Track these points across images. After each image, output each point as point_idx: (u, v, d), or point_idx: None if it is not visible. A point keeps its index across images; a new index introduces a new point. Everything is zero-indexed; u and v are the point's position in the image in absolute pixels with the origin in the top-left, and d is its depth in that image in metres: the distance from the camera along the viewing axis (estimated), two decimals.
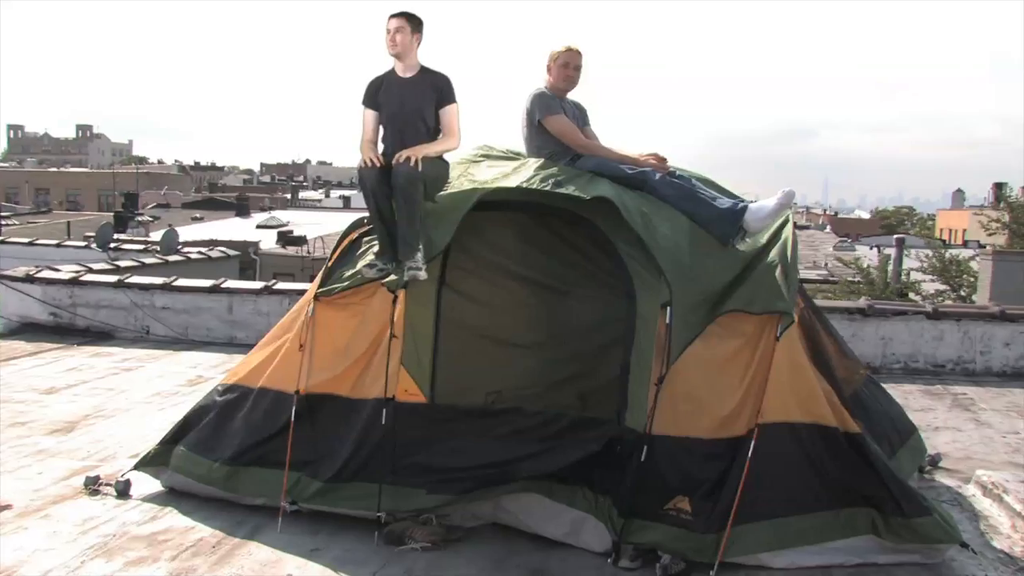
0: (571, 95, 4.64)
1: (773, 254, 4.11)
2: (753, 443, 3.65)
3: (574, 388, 3.98)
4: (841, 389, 4.00)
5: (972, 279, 19.76)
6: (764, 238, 4.26)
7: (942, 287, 20.95)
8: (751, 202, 4.28)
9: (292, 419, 4.09)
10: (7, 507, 4.25)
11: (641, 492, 3.72)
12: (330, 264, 4.41)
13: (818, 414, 3.80)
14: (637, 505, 3.72)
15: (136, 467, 4.51)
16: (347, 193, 61.68)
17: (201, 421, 4.44)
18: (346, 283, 4.22)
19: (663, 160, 4.45)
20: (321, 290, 4.26)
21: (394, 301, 4.03)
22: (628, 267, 3.91)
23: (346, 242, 4.50)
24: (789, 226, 4.31)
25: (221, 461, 4.23)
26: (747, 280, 4.00)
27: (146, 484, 4.49)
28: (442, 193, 4.26)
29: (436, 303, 4.10)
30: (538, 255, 4.17)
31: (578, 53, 4.51)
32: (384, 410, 3.97)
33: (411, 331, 4.04)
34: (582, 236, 4.11)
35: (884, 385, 6.95)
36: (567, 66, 4.51)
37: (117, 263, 11.14)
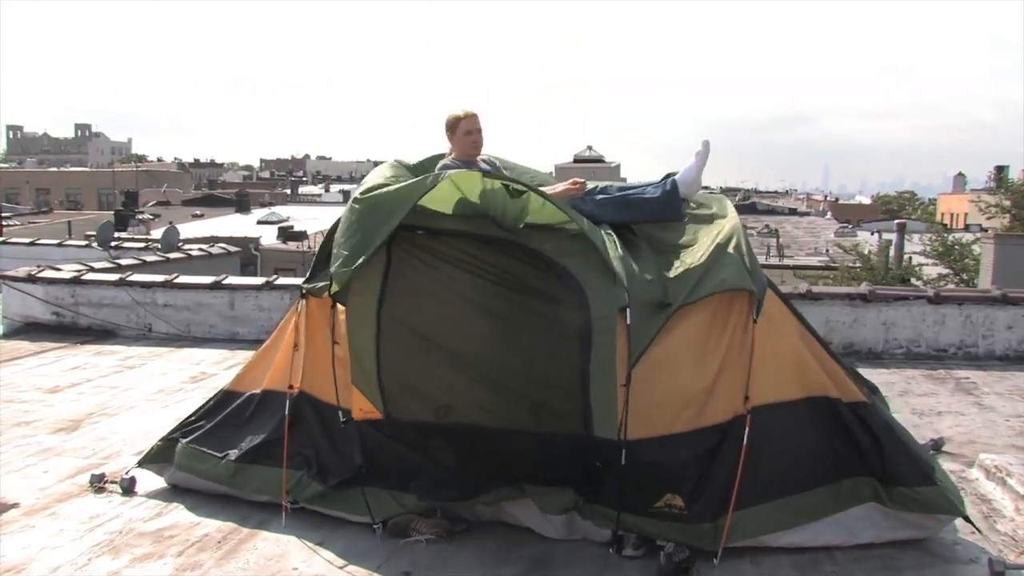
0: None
1: (723, 240, 3.99)
2: (747, 430, 3.61)
3: (527, 401, 3.78)
4: (840, 360, 3.98)
5: (974, 263, 19.76)
6: (713, 232, 4.11)
7: (944, 271, 20.95)
8: (674, 174, 4.28)
9: (286, 418, 4.08)
10: (14, 505, 4.27)
11: (628, 494, 3.67)
12: (315, 261, 4.34)
13: (816, 386, 3.78)
14: (626, 504, 3.68)
15: (139, 464, 4.52)
16: (347, 188, 61.74)
17: (205, 420, 4.46)
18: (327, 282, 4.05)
19: (581, 185, 4.40)
20: (308, 287, 4.18)
21: (333, 306, 3.93)
22: (578, 279, 3.74)
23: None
24: (731, 219, 4.18)
25: (226, 458, 4.25)
26: (710, 271, 3.85)
27: (151, 481, 4.51)
28: (388, 189, 3.98)
29: (376, 320, 3.87)
30: (481, 266, 3.90)
31: (475, 116, 4.41)
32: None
33: (355, 350, 3.87)
34: (525, 256, 3.90)
35: (887, 370, 6.98)
36: (470, 133, 4.39)
37: (118, 261, 11.15)
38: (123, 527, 4.03)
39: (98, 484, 4.48)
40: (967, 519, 3.73)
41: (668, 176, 4.32)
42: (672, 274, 3.90)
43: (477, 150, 4.41)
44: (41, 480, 4.62)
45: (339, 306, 3.93)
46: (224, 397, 4.53)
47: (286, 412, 4.10)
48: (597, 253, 3.81)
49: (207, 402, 4.60)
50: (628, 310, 3.66)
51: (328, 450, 4.05)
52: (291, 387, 4.15)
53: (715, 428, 3.68)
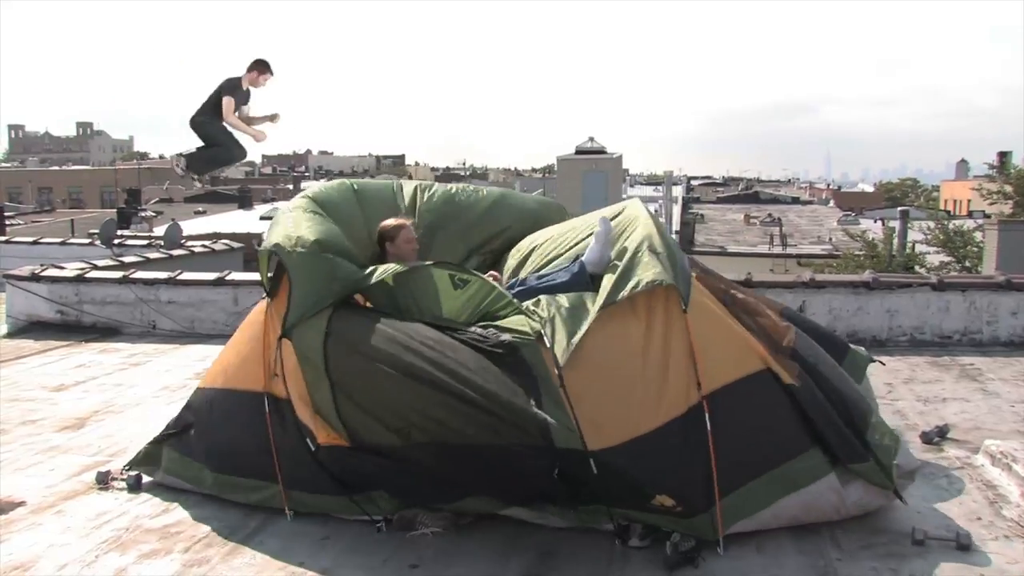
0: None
1: (636, 244, 4.06)
2: (707, 415, 3.61)
3: (490, 417, 3.71)
4: (773, 342, 4.00)
5: (976, 249, 19.72)
6: (624, 237, 4.22)
7: (947, 258, 20.90)
8: (581, 257, 4.40)
9: (270, 425, 4.03)
10: (21, 503, 4.28)
11: (617, 499, 3.69)
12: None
13: (759, 359, 3.81)
14: (616, 503, 3.70)
15: (127, 467, 4.54)
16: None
17: (186, 424, 4.43)
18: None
19: (496, 278, 4.57)
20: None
21: (279, 339, 4.02)
22: (503, 336, 3.86)
23: None
24: (642, 220, 4.29)
25: (207, 467, 4.24)
26: (626, 274, 3.92)
27: None
28: (341, 265, 4.22)
29: (324, 351, 3.92)
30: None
31: (408, 224, 4.81)
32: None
33: (310, 382, 3.91)
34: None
35: (891, 358, 6.96)
36: (410, 241, 4.76)
37: (121, 259, 11.17)
38: (130, 524, 4.05)
39: (104, 482, 4.49)
40: (898, 495, 3.85)
41: (576, 259, 4.45)
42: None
43: (415, 256, 4.66)
44: (48, 478, 4.64)
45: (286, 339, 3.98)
46: (199, 396, 4.46)
47: (268, 417, 4.05)
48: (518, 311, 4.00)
49: (187, 404, 4.54)
50: (544, 333, 3.77)
51: (304, 454, 3.97)
52: (265, 389, 4.11)
53: (675, 422, 3.66)
